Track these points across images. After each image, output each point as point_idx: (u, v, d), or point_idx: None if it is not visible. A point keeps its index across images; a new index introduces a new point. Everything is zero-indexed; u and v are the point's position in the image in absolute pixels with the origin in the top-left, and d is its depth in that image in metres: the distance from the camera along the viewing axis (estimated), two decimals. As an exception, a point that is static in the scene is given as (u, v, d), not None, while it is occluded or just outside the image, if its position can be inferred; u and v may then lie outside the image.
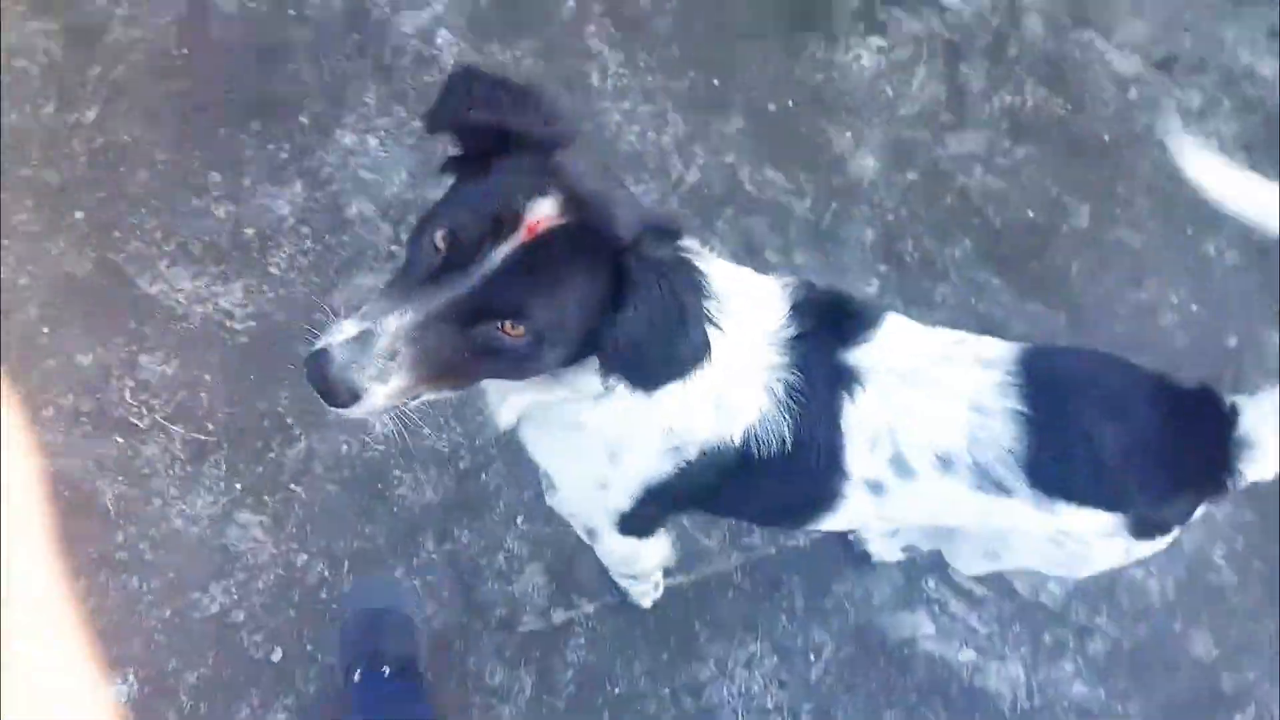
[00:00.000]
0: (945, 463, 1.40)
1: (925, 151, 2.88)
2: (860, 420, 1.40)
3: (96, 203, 2.44)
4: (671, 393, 1.28)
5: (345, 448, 2.29)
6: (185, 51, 2.63)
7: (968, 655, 2.33)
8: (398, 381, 1.11)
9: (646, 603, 2.20)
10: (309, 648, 2.13)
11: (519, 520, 2.29)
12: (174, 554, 2.16)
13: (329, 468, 2.27)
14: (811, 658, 2.28)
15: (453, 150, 1.24)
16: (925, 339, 1.48)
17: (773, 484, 1.48)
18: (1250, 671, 2.43)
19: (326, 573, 2.19)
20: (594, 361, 1.25)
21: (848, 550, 2.36)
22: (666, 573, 2.28)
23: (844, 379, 1.40)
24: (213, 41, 2.66)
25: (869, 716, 2.25)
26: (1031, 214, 2.85)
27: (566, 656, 2.20)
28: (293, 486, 2.24)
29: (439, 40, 2.76)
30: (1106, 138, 2.99)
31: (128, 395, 2.27)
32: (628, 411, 1.34)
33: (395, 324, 1.09)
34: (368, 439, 2.31)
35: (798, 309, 1.41)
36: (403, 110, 2.66)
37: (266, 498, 2.22)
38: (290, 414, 2.30)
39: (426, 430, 2.33)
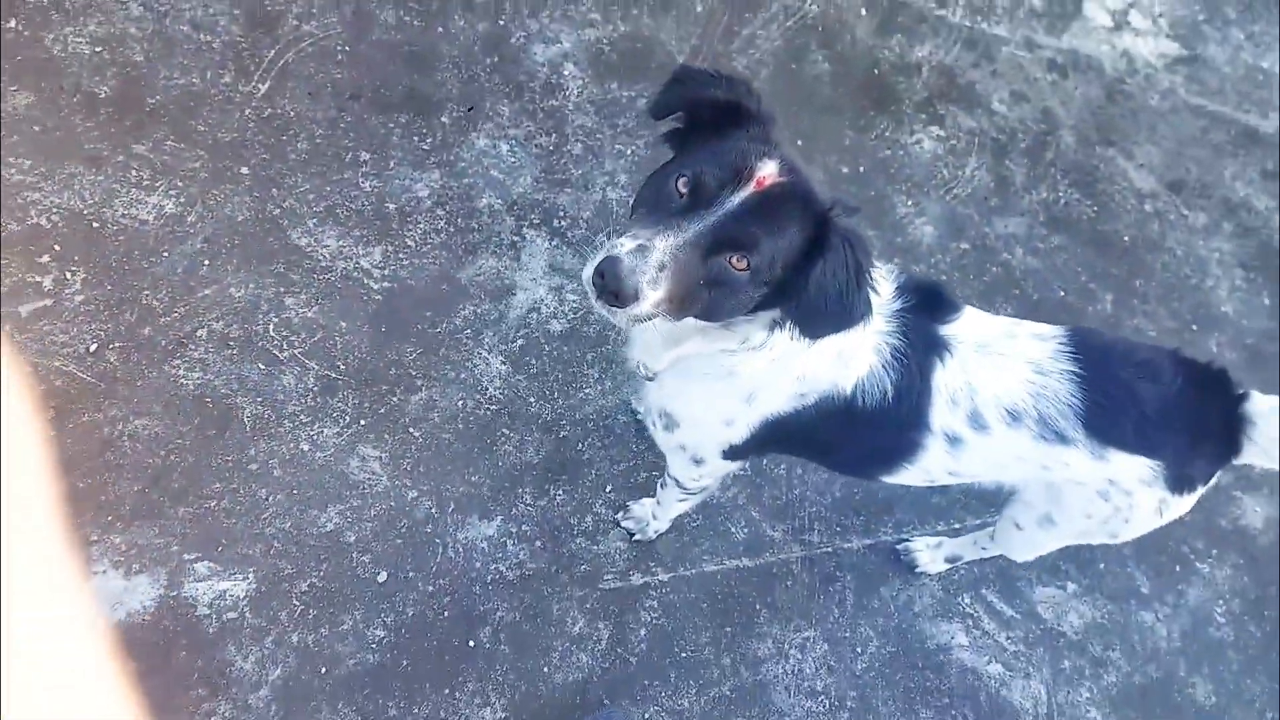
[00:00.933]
0: (1014, 416, 1.71)
1: (975, 227, 3.28)
2: (946, 381, 1.72)
3: (260, 162, 2.73)
4: (828, 343, 1.59)
5: (462, 403, 2.54)
6: (347, 49, 2.98)
7: (996, 669, 2.57)
8: (662, 290, 1.34)
9: (652, 533, 2.44)
10: (411, 574, 2.32)
11: (608, 489, 2.53)
12: (299, 474, 2.37)
13: (445, 418, 2.51)
14: (858, 650, 2.50)
15: (674, 126, 1.55)
16: (993, 322, 1.81)
17: (867, 432, 1.76)
18: (1241, 721, 2.69)
19: (433, 509, 2.40)
20: (765, 317, 1.56)
21: (896, 559, 2.62)
22: (733, 556, 2.53)
23: (937, 347, 1.72)
24: (372, 43, 3.01)
25: (905, 711, 2.46)
26: (1063, 293, 3.24)
27: (641, 616, 2.41)
28: (411, 430, 2.47)
29: (566, 71, 3.14)
30: (1127, 239, 3.42)
31: (271, 329, 2.51)
32: (774, 361, 1.64)
33: (665, 243, 1.34)
34: (482, 398, 2.56)
35: (902, 289, 1.74)
36: (531, 125, 3.01)
37: (386, 436, 2.45)
38: (414, 367, 2.55)
39: (533, 399, 2.59)
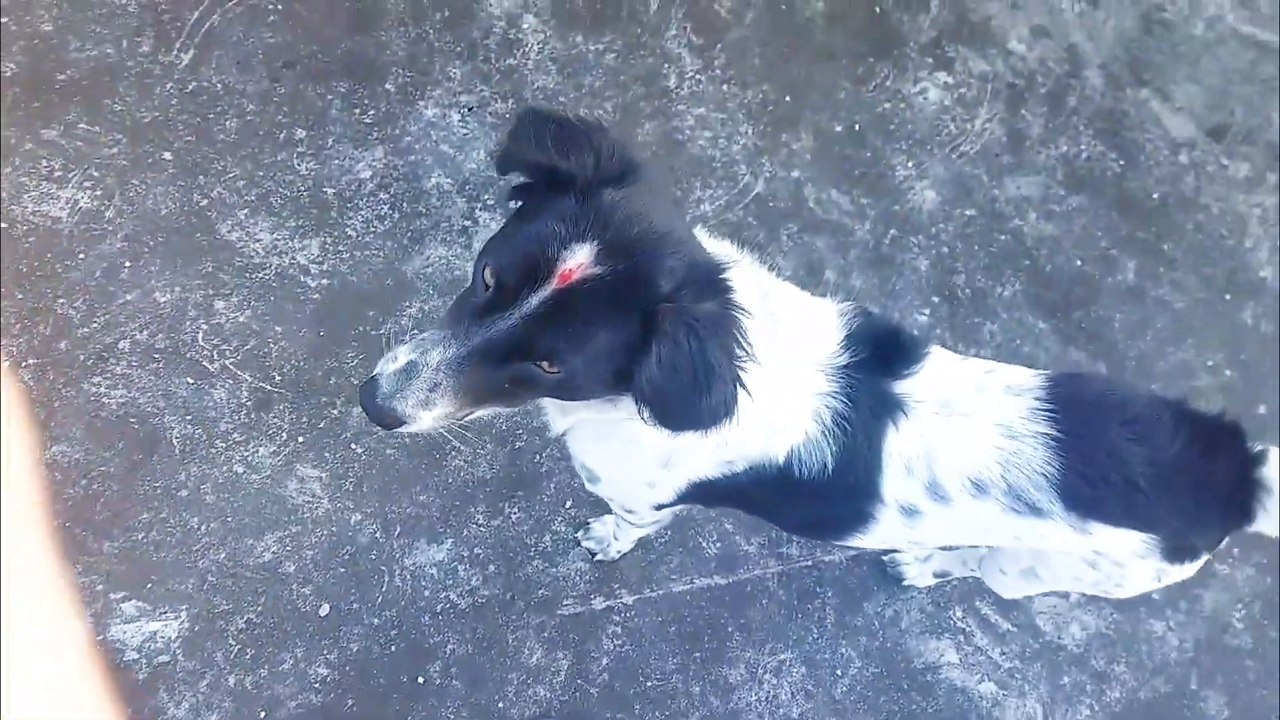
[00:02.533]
0: (979, 487, 1.50)
1: (983, 189, 3.00)
2: (899, 448, 1.50)
3: (185, 145, 2.51)
4: (748, 412, 1.37)
5: (407, 414, 2.37)
6: (280, 7, 2.72)
7: (988, 688, 2.44)
8: (442, 408, 1.22)
9: (614, 553, 2.31)
10: (355, 605, 2.21)
11: (568, 505, 2.38)
12: (233, 499, 2.24)
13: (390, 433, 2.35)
14: (838, 673, 2.38)
15: (519, 180, 1.30)
16: (961, 370, 1.58)
17: (808, 500, 1.57)
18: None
19: (379, 534, 2.27)
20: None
21: (882, 571, 2.47)
22: (704, 574, 2.39)
23: (889, 409, 1.49)
24: (307, 1, 2.74)
25: (888, 734, 2.35)
26: (1080, 263, 2.98)
27: (603, 644, 2.29)
28: (353, 446, 2.32)
29: (525, 25, 2.86)
30: (1156, 197, 3.13)
31: (200, 338, 2.34)
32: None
33: (438, 358, 1.20)
34: (430, 408, 2.39)
35: (852, 337, 1.50)
36: (486, 89, 2.76)
37: (327, 454, 2.31)
38: (356, 375, 2.38)
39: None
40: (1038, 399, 1.49)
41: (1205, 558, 1.59)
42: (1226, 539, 1.60)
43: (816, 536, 1.98)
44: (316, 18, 2.73)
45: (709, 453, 1.50)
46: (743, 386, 1.21)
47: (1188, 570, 1.60)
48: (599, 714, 2.23)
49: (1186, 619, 2.61)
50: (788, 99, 2.98)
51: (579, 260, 1.16)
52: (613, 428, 1.49)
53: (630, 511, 1.80)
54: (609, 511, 2.32)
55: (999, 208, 2.98)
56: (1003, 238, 2.95)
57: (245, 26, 2.67)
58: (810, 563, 2.46)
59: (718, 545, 2.42)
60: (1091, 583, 1.69)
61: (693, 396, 1.18)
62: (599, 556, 2.33)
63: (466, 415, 1.28)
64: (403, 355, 1.23)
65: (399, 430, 1.26)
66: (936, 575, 2.42)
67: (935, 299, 2.83)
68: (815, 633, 2.40)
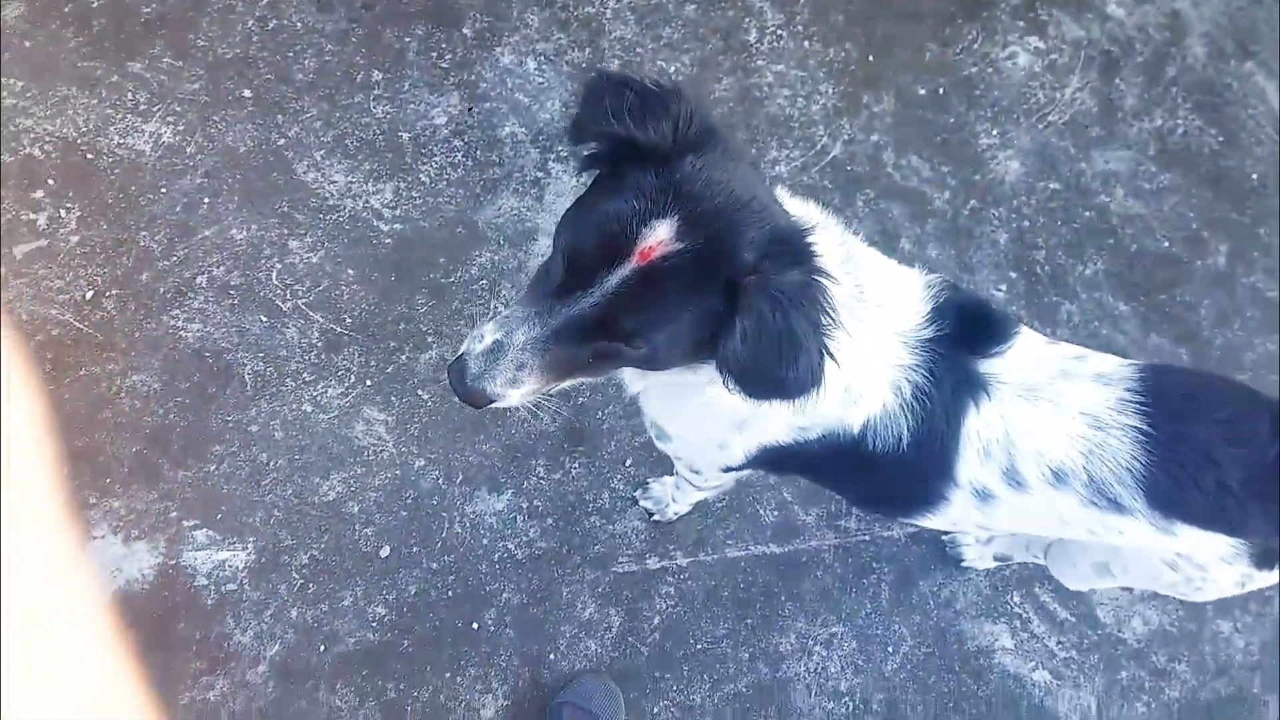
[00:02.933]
0: (1059, 476, 1.44)
1: (1070, 162, 2.89)
2: (978, 429, 1.45)
3: (264, 83, 2.52)
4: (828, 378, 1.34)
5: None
6: (364, -55, 2.69)
7: (1042, 676, 2.41)
8: (528, 385, 1.23)
9: (671, 514, 2.30)
10: (415, 549, 2.25)
11: (628, 463, 2.38)
12: (302, 437, 2.27)
13: (455, 381, 2.36)
14: (889, 649, 2.36)
15: (591, 150, 1.24)
16: (1049, 353, 1.51)
17: (879, 474, 1.52)
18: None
19: (441, 480, 2.30)
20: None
21: (940, 551, 2.44)
22: (760, 541, 2.38)
23: (972, 387, 1.44)
24: (392, -62, 2.71)
25: (936, 718, 2.33)
26: (1168, 244, 2.86)
27: (655, 604, 2.30)
28: (419, 393, 2.34)
29: (611, -28, 2.79)
30: (1255, 177, 2.98)
31: (274, 277, 2.37)
32: None
33: (523, 338, 1.19)
34: (495, 359, 2.40)
35: (939, 310, 1.44)
36: (563, 37, 2.71)
37: (394, 399, 2.33)
38: (424, 322, 2.39)
39: (552, 361, 2.42)
40: (1128, 389, 1.42)
41: None
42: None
43: (882, 512, 1.94)
44: (398, -42, 2.70)
45: (784, 418, 1.47)
46: (830, 356, 1.18)
47: (1274, 577, 1.54)
48: (647, 672, 2.25)
49: (1255, 621, 2.54)
50: (870, 59, 2.89)
51: (659, 237, 1.12)
52: (689, 390, 1.47)
53: (697, 472, 1.79)
54: (669, 472, 2.31)
55: (1085, 182, 2.87)
56: (1087, 214, 2.84)
57: (328, -36, 2.65)
58: (868, 537, 2.43)
59: (775, 514, 2.41)
60: (1168, 584, 1.63)
61: (778, 368, 1.15)
62: (656, 517, 2.33)
63: (552, 389, 1.28)
64: (489, 335, 1.22)
65: (489, 407, 1.26)
66: (997, 559, 2.38)
67: (1013, 274, 2.75)
68: (869, 608, 2.39)
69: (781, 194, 1.35)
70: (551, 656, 2.23)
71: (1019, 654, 2.41)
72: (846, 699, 2.31)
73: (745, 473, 1.80)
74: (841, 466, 1.52)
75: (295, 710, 2.10)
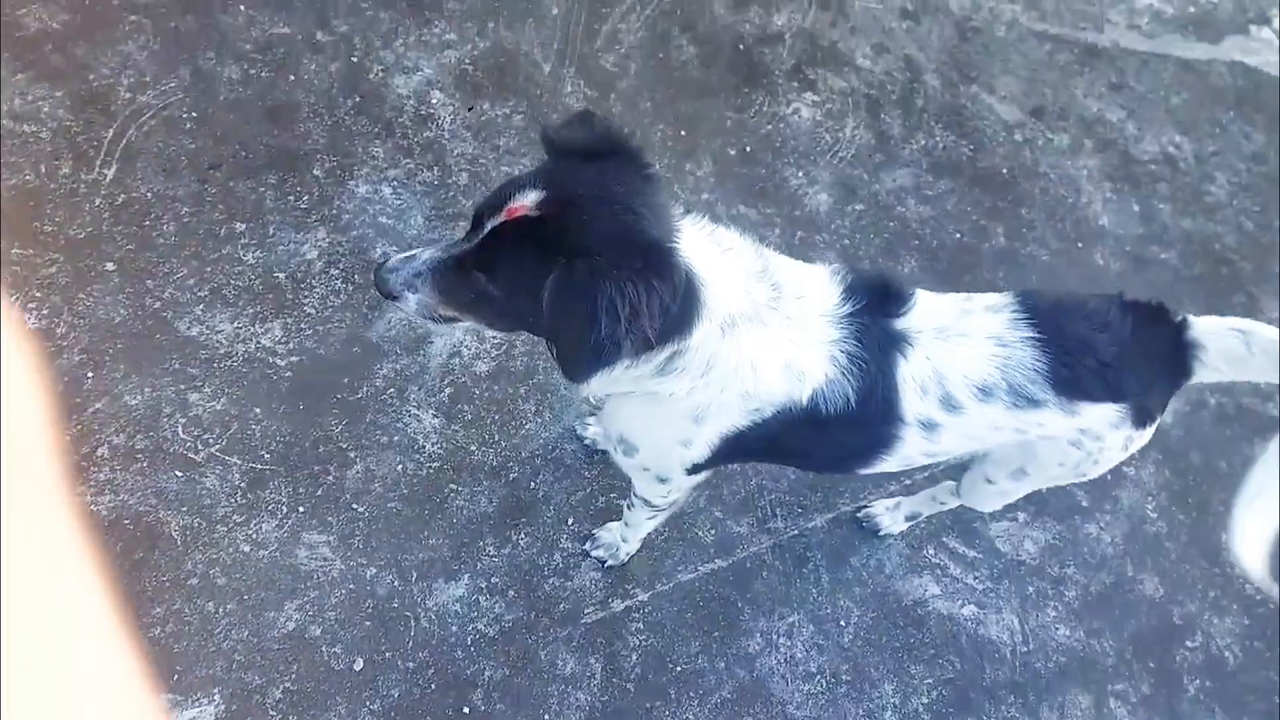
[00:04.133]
0: (985, 391, 1.75)
1: (865, 186, 3.35)
2: (911, 373, 1.73)
3: (126, 254, 2.53)
4: (768, 357, 1.61)
5: (401, 466, 2.44)
6: (194, 114, 2.79)
7: (970, 610, 2.66)
8: (422, 295, 1.56)
9: (624, 555, 2.44)
10: (388, 654, 2.23)
11: (570, 522, 2.49)
12: (245, 577, 2.23)
13: (387, 486, 2.41)
14: (841, 623, 2.55)
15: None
16: (945, 303, 1.83)
17: (836, 435, 1.77)
18: (1190, 605, 2.87)
19: (396, 583, 2.31)
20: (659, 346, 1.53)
21: (859, 528, 2.68)
22: (705, 560, 2.53)
23: (896, 342, 1.72)
24: (220, 104, 2.83)
25: (898, 670, 2.53)
26: (959, 235, 3.35)
27: (629, 641, 2.38)
28: (354, 506, 2.36)
29: (433, 100, 3.03)
30: (1005, 171, 3.55)
31: (180, 431, 2.35)
32: (709, 381, 1.62)
33: (427, 256, 1.56)
34: (421, 458, 2.46)
35: (849, 290, 1.72)
36: (410, 162, 2.90)
37: (330, 518, 2.33)
38: (343, 440, 2.43)
39: (474, 447, 2.51)
40: (1013, 311, 1.75)
41: (1158, 420, 1.88)
42: (1172, 399, 1.89)
43: (844, 469, 2.16)
44: (232, 119, 2.82)
45: (735, 401, 1.67)
46: (634, 336, 1.36)
47: (1147, 435, 1.88)
48: (639, 706, 2.32)
49: (1112, 518, 2.93)
50: (683, 133, 3.25)
51: (522, 202, 1.42)
52: (647, 397, 1.66)
53: (664, 481, 1.94)
54: (614, 519, 2.44)
55: (882, 199, 3.33)
56: (891, 224, 3.28)
57: (164, 136, 2.73)
58: (797, 531, 2.64)
59: (712, 532, 2.57)
60: (1074, 465, 1.93)
61: (585, 329, 1.34)
62: (609, 562, 2.43)
63: (447, 316, 1.60)
64: (414, 251, 1.59)
65: (394, 305, 1.61)
66: (908, 519, 2.64)
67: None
68: (814, 593, 2.57)
69: (695, 218, 1.59)
70: (546, 717, 2.25)
71: (947, 597, 2.66)
72: (818, 677, 2.46)
73: (702, 477, 1.97)
74: (799, 437, 1.73)
75: None
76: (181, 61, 2.86)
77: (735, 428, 1.73)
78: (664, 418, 1.73)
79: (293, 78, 2.94)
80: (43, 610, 0.45)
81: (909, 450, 1.83)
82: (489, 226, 1.46)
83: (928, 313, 1.77)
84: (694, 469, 1.89)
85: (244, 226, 2.65)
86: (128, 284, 2.49)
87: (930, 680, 2.53)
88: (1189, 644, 2.81)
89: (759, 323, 1.60)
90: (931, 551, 2.72)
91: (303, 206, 2.73)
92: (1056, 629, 2.71)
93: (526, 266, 1.43)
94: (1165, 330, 1.80)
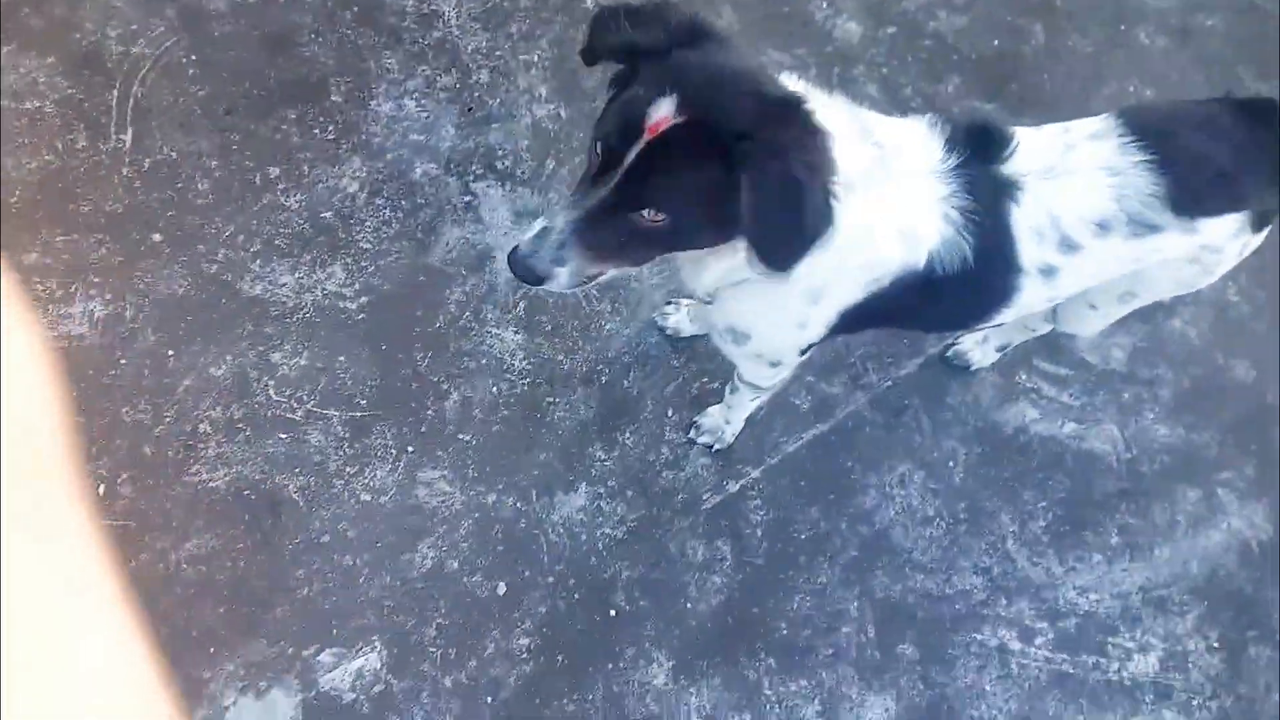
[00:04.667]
0: (1103, 226, 1.65)
1: (893, 5, 3.11)
2: (1025, 220, 1.63)
3: (168, 221, 2.41)
4: (884, 227, 1.50)
5: (495, 389, 2.39)
6: (194, 58, 2.59)
7: (1070, 428, 2.66)
8: (572, 264, 1.40)
9: (729, 438, 2.40)
10: (527, 573, 2.26)
11: (670, 414, 2.46)
12: (373, 525, 2.23)
13: (487, 411, 2.37)
14: (950, 464, 2.55)
15: (614, 70, 1.43)
16: (1044, 138, 1.70)
17: (955, 294, 1.68)
18: (1270, 397, 2.85)
19: (518, 504, 2.31)
20: None
21: (949, 368, 2.64)
22: (807, 427, 2.51)
23: (1006, 190, 1.61)
24: (216, 42, 2.62)
25: (1011, 499, 2.55)
26: (997, 42, 3.14)
27: (750, 518, 2.40)
28: (460, 436, 2.33)
29: (433, -5, 2.79)
30: (1036, -37, 3.29)
31: (272, 393, 2.29)
32: (827, 259, 1.52)
33: (563, 221, 1.38)
34: (513, 377, 2.41)
35: (950, 141, 1.60)
36: (425, 68, 2.70)
37: (440, 453, 2.31)
38: (433, 372, 2.38)
39: (560, 357, 2.45)
40: (1120, 135, 1.62)
41: (1276, 219, 1.78)
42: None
43: (960, 327, 2.11)
44: (232, 57, 2.61)
45: (855, 275, 1.60)
46: (834, 198, 1.32)
47: (1262, 236, 1.79)
48: (772, 578, 2.36)
49: (1195, 310, 2.87)
50: (694, -17, 3.00)
51: (662, 113, 1.28)
52: (760, 282, 1.57)
53: (775, 365, 1.90)
54: (712, 403, 2.41)
55: (912, 16, 3.10)
56: (927, 43, 3.07)
57: (169, 88, 2.54)
58: (890, 382, 2.60)
59: (808, 399, 2.54)
60: (1188, 281, 1.86)
61: (784, 216, 1.30)
62: (716, 446, 2.42)
63: (598, 273, 1.46)
64: (538, 224, 1.41)
65: (545, 288, 1.44)
66: (998, 350, 2.60)
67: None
68: (918, 439, 2.56)
69: (787, 77, 1.47)
70: (689, 605, 2.30)
71: (1045, 419, 2.65)
72: (937, 520, 2.49)
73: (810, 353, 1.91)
74: (916, 302, 1.66)
75: (497, 762, 2.10)
76: (164, 0, 2.62)
77: (852, 302, 1.67)
78: (780, 302, 1.66)
79: (283, -2, 2.70)
80: (48, 608, 0.44)
81: (1028, 299, 1.76)
82: (630, 156, 1.30)
83: (1031, 152, 1.65)
84: (806, 349, 1.83)
85: (277, 171, 2.50)
86: (180, 253, 2.38)
87: (1044, 503, 2.55)
88: (1284, 422, 2.81)
89: (871, 186, 1.49)
90: (1024, 377, 2.69)
91: (330, 138, 2.56)
92: (1156, 430, 2.71)
93: (701, 178, 1.31)
94: (1277, 125, 1.68)
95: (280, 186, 2.49)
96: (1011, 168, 1.62)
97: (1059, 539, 2.52)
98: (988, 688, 2.35)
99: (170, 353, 2.28)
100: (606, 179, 1.33)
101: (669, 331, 2.51)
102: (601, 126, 1.36)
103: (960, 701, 2.33)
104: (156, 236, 2.38)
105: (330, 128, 2.57)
